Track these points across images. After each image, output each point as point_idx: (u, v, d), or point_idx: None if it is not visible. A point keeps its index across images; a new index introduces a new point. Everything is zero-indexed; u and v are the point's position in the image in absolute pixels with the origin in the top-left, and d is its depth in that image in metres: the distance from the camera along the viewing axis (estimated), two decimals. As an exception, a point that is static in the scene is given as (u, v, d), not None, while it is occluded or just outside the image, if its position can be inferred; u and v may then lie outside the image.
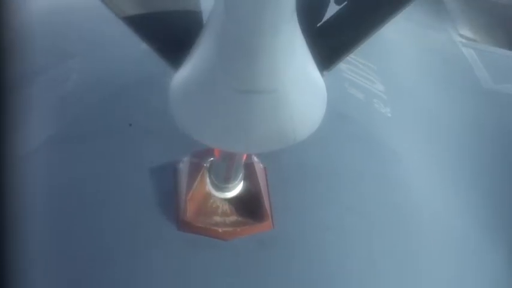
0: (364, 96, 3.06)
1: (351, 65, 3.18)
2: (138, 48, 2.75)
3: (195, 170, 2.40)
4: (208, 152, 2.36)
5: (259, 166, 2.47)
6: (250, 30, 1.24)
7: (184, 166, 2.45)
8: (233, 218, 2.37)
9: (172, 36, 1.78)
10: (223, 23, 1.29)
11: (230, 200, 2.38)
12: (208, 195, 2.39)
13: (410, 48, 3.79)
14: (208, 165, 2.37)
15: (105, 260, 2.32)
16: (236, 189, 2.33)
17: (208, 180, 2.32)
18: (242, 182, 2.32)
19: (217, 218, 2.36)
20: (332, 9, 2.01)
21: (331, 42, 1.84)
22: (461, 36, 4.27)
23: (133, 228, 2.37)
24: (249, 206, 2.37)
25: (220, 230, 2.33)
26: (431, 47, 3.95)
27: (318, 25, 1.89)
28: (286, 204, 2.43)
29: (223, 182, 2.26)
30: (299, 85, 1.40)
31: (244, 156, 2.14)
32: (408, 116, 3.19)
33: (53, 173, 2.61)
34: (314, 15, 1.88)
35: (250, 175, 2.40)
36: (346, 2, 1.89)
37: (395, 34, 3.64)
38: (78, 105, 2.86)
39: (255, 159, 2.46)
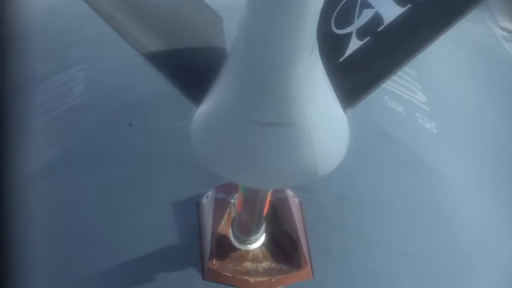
0: (405, 110, 2.74)
1: (389, 73, 2.85)
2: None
3: (220, 206, 2.14)
4: (235, 186, 2.08)
5: (294, 201, 2.19)
6: (269, 63, 1.25)
7: (208, 202, 2.18)
8: (266, 264, 2.09)
9: (195, 73, 1.72)
10: (243, 55, 1.30)
11: (262, 242, 2.09)
12: None
13: (449, 47, 3.44)
14: (235, 201, 2.11)
15: None
16: (258, 241, 2.07)
17: (230, 231, 2.08)
18: (264, 235, 2.08)
19: (248, 265, 2.08)
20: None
21: (354, 78, 1.78)
22: (503, 29, 3.90)
23: (151, 277, 2.07)
24: (284, 249, 2.11)
25: (252, 280, 2.04)
26: (470, 43, 3.60)
27: (340, 60, 1.80)
28: (327, 246, 2.15)
29: (245, 234, 2.05)
30: (320, 119, 1.39)
31: (265, 210, 1.95)
32: (453, 130, 2.88)
33: (54, 203, 2.33)
34: (336, 51, 1.80)
35: (284, 211, 2.14)
36: (368, 38, 1.81)
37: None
38: (84, 124, 2.55)
39: (289, 192, 2.19)
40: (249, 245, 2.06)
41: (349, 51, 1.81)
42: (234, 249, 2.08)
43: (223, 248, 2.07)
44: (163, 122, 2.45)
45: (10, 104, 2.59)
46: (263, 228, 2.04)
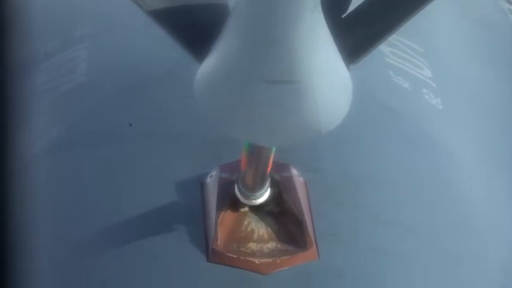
0: (411, 86, 2.71)
1: (394, 47, 2.82)
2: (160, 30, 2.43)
3: (225, 186, 2.10)
4: (239, 165, 2.05)
5: (299, 180, 2.16)
6: (271, 20, 1.28)
7: (212, 182, 2.14)
8: (271, 244, 2.07)
9: (198, 29, 1.71)
10: (246, 11, 1.33)
11: (267, 222, 2.10)
12: (242, 217, 2.10)
13: (455, 22, 3.40)
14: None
15: None
16: (263, 197, 2.07)
17: (236, 188, 2.07)
18: (269, 190, 2.07)
19: (253, 245, 2.06)
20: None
21: (356, 35, 1.78)
22: (510, 2, 3.83)
23: (154, 258, 2.06)
24: (289, 230, 2.09)
25: (257, 261, 2.02)
26: (477, 18, 3.55)
27: (342, 16, 1.80)
28: (333, 226, 2.12)
29: (250, 190, 2.05)
30: (323, 76, 1.41)
31: (269, 167, 1.93)
32: (459, 106, 2.83)
33: (58, 182, 2.31)
34: (338, 6, 1.79)
35: (289, 191, 2.11)
36: None
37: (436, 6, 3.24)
38: (88, 102, 2.52)
39: (294, 172, 2.17)
40: (254, 200, 2.06)
41: (352, 6, 1.81)
42: (239, 229, 2.07)
43: (227, 228, 2.06)
44: (167, 101, 2.43)
45: (14, 83, 2.57)
46: (268, 183, 2.04)
